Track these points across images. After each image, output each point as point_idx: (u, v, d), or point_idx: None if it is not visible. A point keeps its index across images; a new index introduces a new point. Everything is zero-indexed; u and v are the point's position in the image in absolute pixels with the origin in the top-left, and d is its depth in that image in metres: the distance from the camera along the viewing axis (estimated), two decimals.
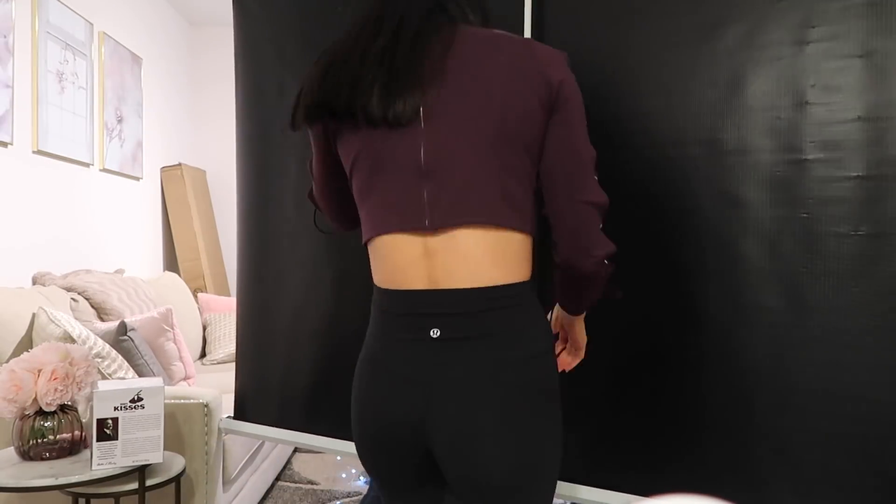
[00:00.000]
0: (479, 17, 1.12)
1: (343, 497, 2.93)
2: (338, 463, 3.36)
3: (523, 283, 1.01)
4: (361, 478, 3.15)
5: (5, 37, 2.62)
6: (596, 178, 1.05)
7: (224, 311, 3.83)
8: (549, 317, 1.26)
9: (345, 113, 1.01)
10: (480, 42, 1.02)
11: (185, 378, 2.85)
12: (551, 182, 1.03)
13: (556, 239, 1.05)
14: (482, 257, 0.98)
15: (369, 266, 1.66)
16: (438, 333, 0.98)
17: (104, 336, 2.41)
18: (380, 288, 1.05)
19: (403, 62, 0.98)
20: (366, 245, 1.08)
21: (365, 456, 1.08)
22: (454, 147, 0.98)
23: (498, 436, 0.96)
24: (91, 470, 1.66)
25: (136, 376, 2.34)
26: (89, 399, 1.82)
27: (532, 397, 0.99)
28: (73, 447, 1.77)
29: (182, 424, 2.04)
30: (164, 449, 2.01)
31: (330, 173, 1.17)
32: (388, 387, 1.02)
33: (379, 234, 1.02)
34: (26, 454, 1.72)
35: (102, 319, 2.72)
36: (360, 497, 2.91)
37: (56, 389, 1.70)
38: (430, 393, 0.98)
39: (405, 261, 1.00)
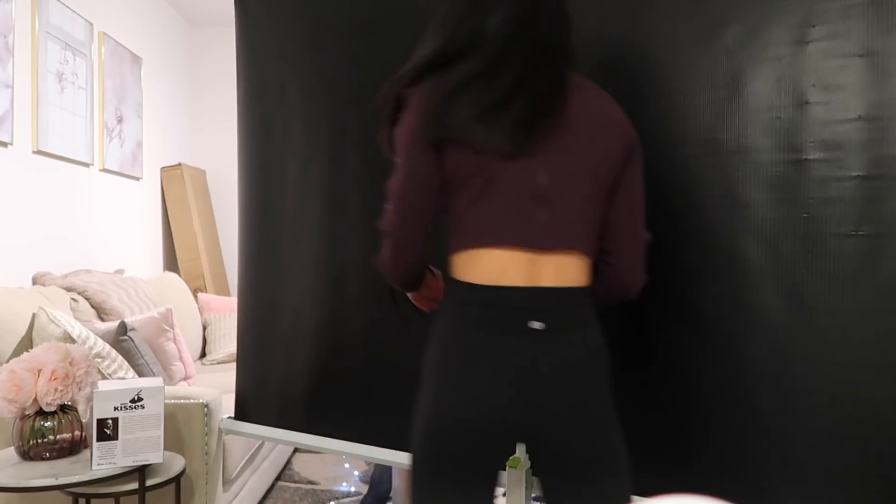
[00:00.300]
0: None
1: (342, 497, 2.93)
2: (338, 463, 3.36)
3: (589, 287, 1.18)
4: (356, 472, 3.15)
5: (5, 37, 2.62)
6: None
7: (224, 311, 3.83)
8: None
9: (476, 139, 1.08)
10: (590, 96, 1.15)
11: (185, 378, 2.85)
12: (619, 225, 1.19)
13: (617, 265, 1.21)
14: (574, 267, 1.13)
15: (369, 266, 1.63)
16: (541, 326, 1.08)
17: (104, 336, 2.41)
18: (474, 284, 1.11)
19: (542, 101, 1.10)
20: (453, 252, 1.15)
21: (442, 447, 1.09)
22: (565, 182, 1.10)
23: (594, 415, 1.10)
24: (91, 470, 1.66)
25: (136, 376, 2.34)
26: (89, 399, 1.82)
27: (606, 385, 1.14)
28: (73, 447, 1.77)
29: (182, 424, 2.04)
30: (164, 449, 2.01)
31: (431, 191, 1.13)
32: (490, 376, 1.08)
33: (485, 246, 1.11)
34: (26, 454, 1.72)
35: (102, 319, 2.72)
36: (360, 497, 2.91)
37: (56, 389, 1.70)
38: (534, 380, 1.07)
39: (509, 265, 1.10)
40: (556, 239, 1.10)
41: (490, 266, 1.10)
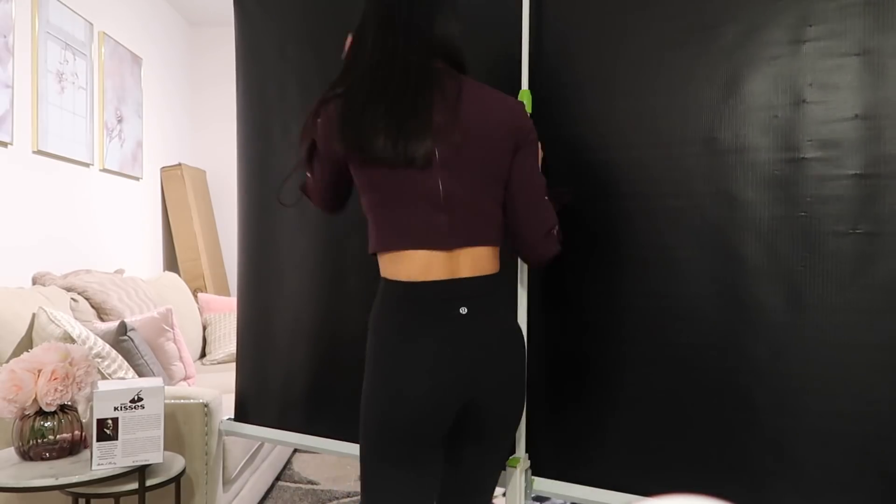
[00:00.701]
0: (462, 62, 1.33)
1: (342, 497, 2.93)
2: (338, 463, 3.36)
3: (501, 273, 1.34)
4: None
5: (5, 37, 2.62)
6: (546, 198, 1.34)
7: (224, 311, 3.83)
8: None
9: (366, 155, 1.22)
10: (476, 97, 1.26)
11: (185, 378, 2.86)
12: (513, 205, 1.32)
13: (521, 243, 1.36)
14: (486, 258, 1.28)
15: (367, 267, 1.63)
16: (466, 311, 1.23)
17: (104, 336, 2.42)
18: (403, 281, 1.24)
19: (416, 112, 1.20)
20: (380, 252, 1.28)
21: (394, 424, 1.21)
22: (463, 186, 1.24)
23: (516, 383, 1.29)
24: (91, 470, 1.66)
25: (136, 376, 2.35)
26: (89, 399, 1.82)
27: (521, 357, 1.30)
28: (73, 447, 1.77)
29: (182, 424, 2.04)
30: (164, 449, 2.01)
31: (337, 181, 1.36)
32: (428, 359, 1.21)
33: (401, 249, 1.24)
34: (26, 454, 1.72)
35: (102, 319, 2.73)
36: (360, 497, 2.91)
37: (56, 389, 1.70)
38: (469, 357, 1.22)
39: (429, 263, 1.24)
40: (458, 239, 1.24)
41: (414, 264, 1.23)
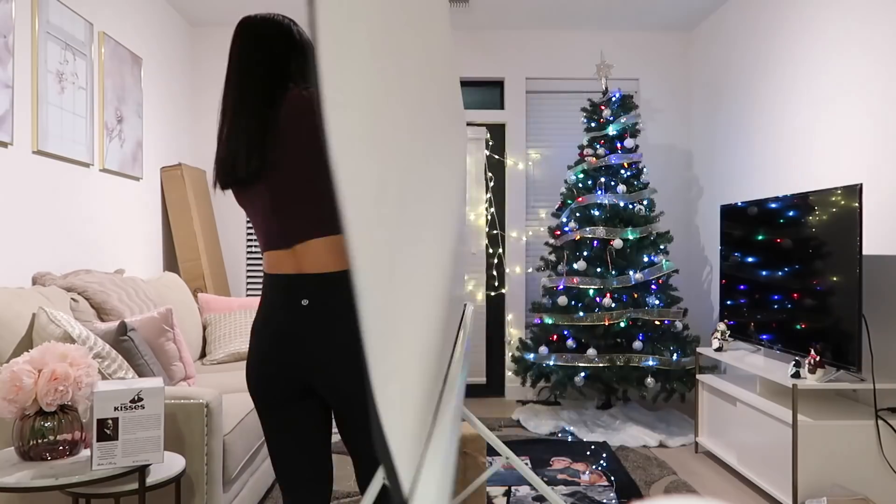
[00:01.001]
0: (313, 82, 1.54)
1: (343, 497, 2.93)
2: (338, 463, 3.35)
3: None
4: None
5: (5, 37, 2.62)
6: None
7: (224, 311, 3.83)
8: None
9: (223, 184, 1.50)
10: (291, 106, 1.43)
11: (186, 378, 2.85)
12: None
13: None
14: (325, 254, 1.45)
15: None
16: (307, 303, 1.44)
17: (104, 336, 2.41)
18: (266, 273, 1.51)
19: (241, 138, 1.44)
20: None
21: (254, 390, 1.52)
22: (291, 190, 1.43)
23: (341, 364, 1.45)
24: (91, 470, 1.66)
25: (136, 376, 2.34)
26: (89, 399, 1.82)
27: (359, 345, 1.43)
28: (73, 447, 1.77)
29: (182, 424, 2.04)
30: (164, 449, 2.01)
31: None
32: (274, 338, 1.47)
33: (263, 251, 1.53)
34: (26, 454, 1.72)
35: (102, 319, 2.73)
36: (360, 498, 2.91)
37: (56, 389, 1.70)
38: (303, 341, 1.45)
39: (278, 260, 1.48)
40: (293, 238, 1.44)
41: (271, 261, 1.49)
